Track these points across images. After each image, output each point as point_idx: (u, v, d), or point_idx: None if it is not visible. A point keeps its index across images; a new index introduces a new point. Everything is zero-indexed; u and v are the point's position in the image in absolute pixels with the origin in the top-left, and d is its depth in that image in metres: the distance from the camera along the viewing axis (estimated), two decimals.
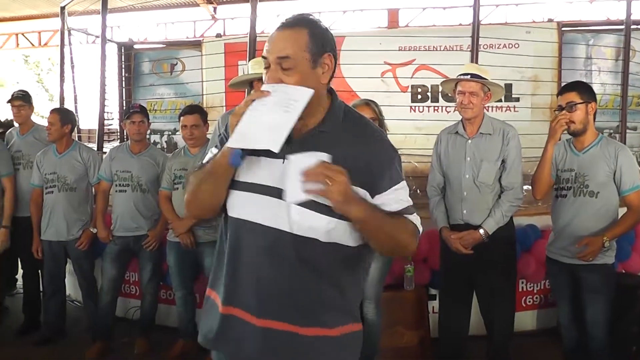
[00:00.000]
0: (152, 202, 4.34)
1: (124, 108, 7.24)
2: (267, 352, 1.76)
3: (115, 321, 4.56)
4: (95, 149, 5.64)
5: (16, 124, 5.04)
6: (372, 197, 1.73)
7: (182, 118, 4.14)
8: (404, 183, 1.79)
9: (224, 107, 6.91)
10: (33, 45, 12.99)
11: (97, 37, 9.77)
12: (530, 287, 4.68)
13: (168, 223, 4.24)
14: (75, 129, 5.14)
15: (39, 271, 4.94)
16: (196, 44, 7.86)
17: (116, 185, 4.36)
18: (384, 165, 1.76)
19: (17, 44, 13.18)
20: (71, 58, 6.93)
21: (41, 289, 5.01)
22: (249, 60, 5.00)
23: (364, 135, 1.79)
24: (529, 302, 4.69)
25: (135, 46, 8.06)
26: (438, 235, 3.76)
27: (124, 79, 7.65)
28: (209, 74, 7.12)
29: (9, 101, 4.87)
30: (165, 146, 7.71)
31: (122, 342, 4.55)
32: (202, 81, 7.31)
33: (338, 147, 1.70)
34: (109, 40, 7.32)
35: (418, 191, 5.24)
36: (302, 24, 1.73)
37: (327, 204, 1.63)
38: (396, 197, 1.76)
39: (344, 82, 6.65)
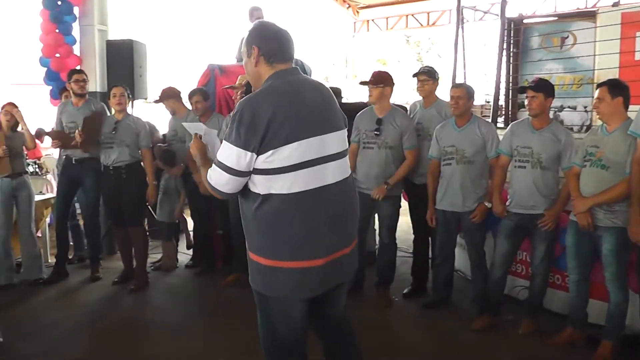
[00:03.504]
0: (551, 180, 4.16)
1: (510, 84, 7.16)
2: None
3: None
4: None
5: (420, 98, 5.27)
6: None
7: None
8: (225, 143, 2.35)
9: None
10: (422, 25, 13.66)
11: (485, 13, 9.93)
12: None
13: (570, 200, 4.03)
14: None
15: (430, 238, 5.19)
16: (590, 15, 7.32)
17: (515, 161, 4.28)
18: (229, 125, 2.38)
19: (407, 25, 14.02)
20: (462, 35, 7.08)
21: (430, 256, 5.30)
22: None
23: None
24: None
25: (525, 20, 7.84)
26: None
27: (511, 54, 7.52)
28: (603, 47, 6.56)
29: (414, 75, 5.12)
30: None
31: (506, 320, 4.51)
32: (594, 55, 6.78)
33: None
34: (498, 15, 7.30)
35: None
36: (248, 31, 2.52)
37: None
38: (220, 150, 2.39)
39: None
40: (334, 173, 2.46)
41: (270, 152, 2.29)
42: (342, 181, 2.52)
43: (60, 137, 5.63)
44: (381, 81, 4.76)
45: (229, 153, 2.32)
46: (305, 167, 2.35)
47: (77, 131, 5.45)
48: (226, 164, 2.33)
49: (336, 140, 2.51)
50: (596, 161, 3.81)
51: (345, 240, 2.56)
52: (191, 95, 5.76)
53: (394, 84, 4.84)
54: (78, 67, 6.55)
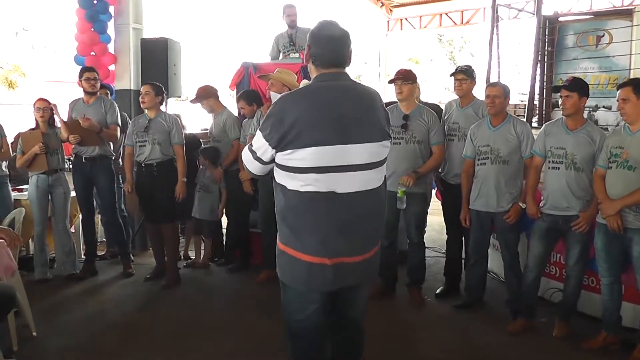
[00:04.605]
0: (585, 181, 4.08)
1: (545, 83, 7.07)
2: None
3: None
4: None
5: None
6: None
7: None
8: (258, 130, 2.51)
9: None
10: (455, 23, 13.55)
11: (520, 11, 9.80)
12: None
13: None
14: None
15: (463, 239, 5.16)
16: (626, 13, 7.17)
17: (549, 162, 4.21)
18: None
19: (440, 23, 13.95)
20: (497, 34, 7.00)
21: (463, 256, 5.26)
22: None
23: None
24: None
25: (560, 19, 7.72)
26: None
27: (546, 53, 7.42)
28: (639, 46, 6.45)
29: (452, 74, 5.07)
30: None
31: (540, 322, 4.46)
32: (630, 54, 6.65)
33: None
34: (533, 13, 7.21)
35: None
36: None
37: None
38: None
39: None
40: (352, 183, 2.47)
41: (289, 151, 2.40)
42: (366, 192, 2.52)
43: (76, 127, 5.59)
44: (410, 78, 4.77)
45: (257, 140, 2.50)
46: (320, 172, 2.41)
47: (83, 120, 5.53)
48: (253, 148, 2.53)
49: (365, 152, 2.49)
50: (622, 162, 3.75)
51: (356, 249, 2.57)
52: (237, 101, 5.84)
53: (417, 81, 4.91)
54: (112, 66, 6.67)
